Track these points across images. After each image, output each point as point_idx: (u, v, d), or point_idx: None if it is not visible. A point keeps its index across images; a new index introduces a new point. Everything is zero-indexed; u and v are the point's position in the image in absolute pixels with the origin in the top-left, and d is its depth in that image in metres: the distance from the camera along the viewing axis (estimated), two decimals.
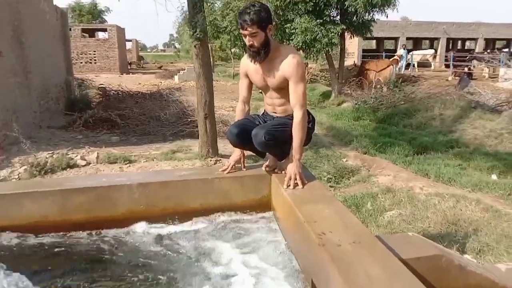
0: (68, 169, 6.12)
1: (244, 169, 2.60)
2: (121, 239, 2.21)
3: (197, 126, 7.21)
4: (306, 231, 1.80)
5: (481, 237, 3.90)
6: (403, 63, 22.90)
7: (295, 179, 2.31)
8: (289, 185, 2.29)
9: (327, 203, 2.09)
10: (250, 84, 2.59)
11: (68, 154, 6.61)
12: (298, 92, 2.35)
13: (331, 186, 5.89)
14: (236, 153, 2.60)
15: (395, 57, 21.72)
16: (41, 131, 8.50)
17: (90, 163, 6.37)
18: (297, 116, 2.35)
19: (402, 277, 1.45)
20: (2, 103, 6.89)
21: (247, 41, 2.34)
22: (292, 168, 2.35)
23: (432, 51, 26.66)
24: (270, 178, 2.51)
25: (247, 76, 2.56)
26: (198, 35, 6.32)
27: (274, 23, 2.37)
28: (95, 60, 27.16)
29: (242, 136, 2.45)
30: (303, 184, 2.32)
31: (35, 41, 8.88)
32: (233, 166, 2.57)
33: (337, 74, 15.13)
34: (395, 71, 18.04)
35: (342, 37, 14.16)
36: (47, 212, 2.28)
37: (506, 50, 26.09)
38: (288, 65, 2.32)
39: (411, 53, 26.04)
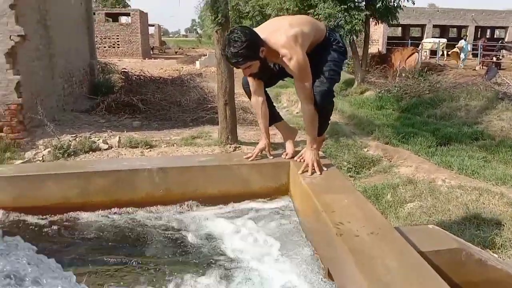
0: (90, 152, 6.24)
1: (272, 157, 2.57)
2: (140, 222, 2.24)
3: (217, 113, 7.23)
4: (324, 220, 1.79)
5: (503, 231, 3.81)
6: (464, 56, 19.94)
7: (313, 166, 2.31)
8: (306, 171, 2.29)
9: (346, 193, 2.06)
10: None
11: (91, 138, 6.73)
12: (303, 88, 2.29)
13: (351, 176, 5.85)
14: (263, 141, 2.58)
15: (455, 49, 19.86)
16: (65, 114, 8.68)
17: (112, 147, 6.48)
18: (307, 110, 2.35)
19: (420, 270, 1.42)
20: (27, 85, 7.04)
21: (244, 72, 2.29)
22: (309, 156, 2.35)
23: (444, 40, 25.02)
24: (289, 166, 2.50)
25: None
26: (219, 20, 6.30)
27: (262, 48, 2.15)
28: (118, 44, 27.43)
29: None
30: (321, 171, 2.31)
31: (60, 24, 9.00)
32: (258, 154, 2.55)
33: (360, 62, 14.88)
34: (419, 60, 17.49)
35: (366, 23, 13.87)
36: (69, 194, 2.33)
37: None
38: (287, 66, 2.23)
39: (422, 41, 25.08)
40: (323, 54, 2.40)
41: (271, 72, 2.49)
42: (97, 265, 1.87)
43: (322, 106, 2.37)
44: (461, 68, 18.51)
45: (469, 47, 20.67)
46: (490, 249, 3.54)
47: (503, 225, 3.95)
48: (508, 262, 2.26)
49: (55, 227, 2.18)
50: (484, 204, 4.47)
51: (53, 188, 2.31)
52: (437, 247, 1.77)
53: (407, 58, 16.20)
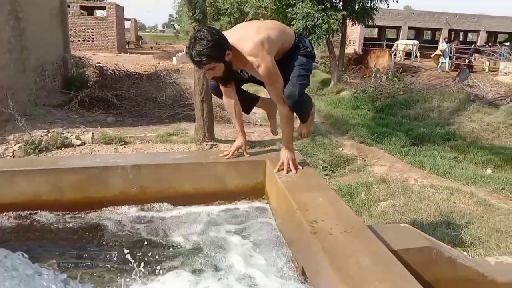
0: (63, 148, 6.09)
1: (248, 156, 2.57)
2: (113, 220, 2.20)
3: (194, 109, 7.17)
4: (298, 218, 1.80)
5: (472, 230, 3.93)
6: (446, 60, 19.21)
7: (288, 164, 2.33)
8: (282, 169, 2.30)
9: (321, 191, 2.08)
10: None
11: (63, 133, 6.57)
12: (275, 91, 2.29)
13: (326, 175, 5.90)
14: (239, 139, 2.58)
15: (438, 52, 19.65)
16: (36, 109, 8.45)
17: (85, 143, 6.35)
18: (282, 112, 2.35)
19: (392, 268, 1.45)
20: None
21: (207, 74, 2.22)
22: (285, 154, 2.36)
23: (416, 42, 25.22)
24: (265, 164, 2.50)
25: None
26: (197, 17, 6.24)
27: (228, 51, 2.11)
28: (93, 38, 26.90)
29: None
30: (296, 169, 2.33)
31: (32, 16, 8.75)
32: (234, 152, 2.55)
33: (337, 62, 15.03)
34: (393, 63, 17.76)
35: (343, 24, 14.04)
36: (40, 191, 2.27)
37: (508, 44, 25.95)
38: (257, 71, 2.20)
39: (396, 42, 25.53)
40: (292, 60, 2.37)
41: (240, 78, 2.48)
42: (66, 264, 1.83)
43: (297, 109, 2.38)
44: (444, 71, 18.47)
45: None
46: (459, 247, 3.63)
47: (472, 224, 4.06)
48: (477, 260, 2.32)
49: (25, 225, 2.13)
50: (454, 203, 4.59)
51: (23, 185, 2.25)
52: (409, 245, 1.81)
53: (380, 60, 16.38)
